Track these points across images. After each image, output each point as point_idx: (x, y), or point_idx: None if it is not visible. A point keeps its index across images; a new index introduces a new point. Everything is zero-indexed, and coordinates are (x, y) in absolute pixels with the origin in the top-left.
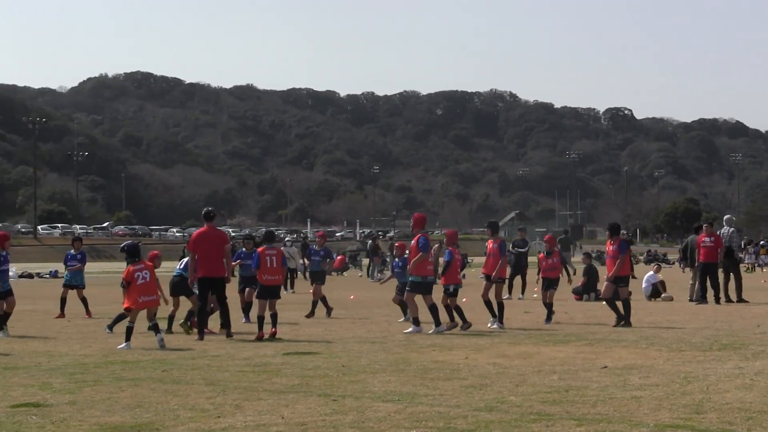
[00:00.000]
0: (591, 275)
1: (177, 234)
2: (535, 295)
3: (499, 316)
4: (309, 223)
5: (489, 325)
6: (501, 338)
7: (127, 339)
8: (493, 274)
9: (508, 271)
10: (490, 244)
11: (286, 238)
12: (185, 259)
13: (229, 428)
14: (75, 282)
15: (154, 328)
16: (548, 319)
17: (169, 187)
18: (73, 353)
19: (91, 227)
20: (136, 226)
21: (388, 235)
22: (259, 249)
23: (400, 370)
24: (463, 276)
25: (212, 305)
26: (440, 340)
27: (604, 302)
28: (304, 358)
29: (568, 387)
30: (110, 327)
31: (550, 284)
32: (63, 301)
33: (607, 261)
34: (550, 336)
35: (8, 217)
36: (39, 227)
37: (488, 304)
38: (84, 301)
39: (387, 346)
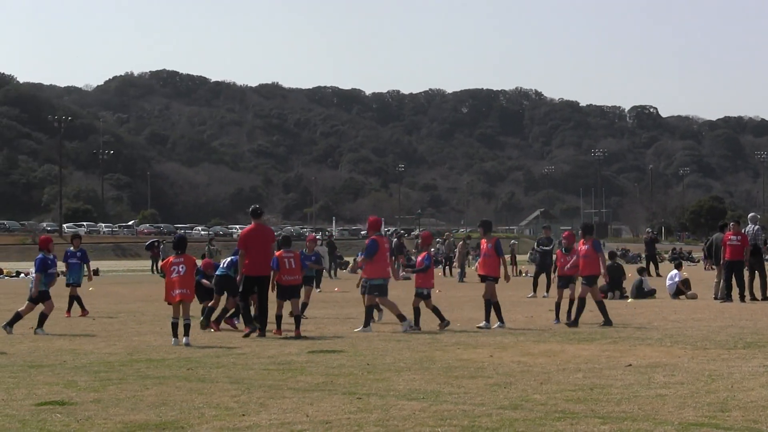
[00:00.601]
0: (615, 274)
1: (202, 232)
2: None
3: (497, 315)
4: (334, 222)
5: (478, 325)
6: (526, 336)
7: (174, 335)
8: (489, 272)
9: (533, 269)
10: (484, 243)
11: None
12: (229, 258)
13: (254, 426)
14: (72, 279)
15: (187, 327)
16: (572, 322)
17: (195, 186)
18: (98, 351)
19: (117, 225)
20: (162, 225)
21: (413, 233)
22: (277, 253)
23: (425, 368)
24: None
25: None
26: (465, 338)
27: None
28: (328, 356)
29: (593, 385)
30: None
31: (567, 281)
32: (77, 299)
33: (580, 261)
34: (574, 334)
35: (34, 215)
36: (65, 225)
37: (487, 303)
38: (77, 299)
39: (411, 344)
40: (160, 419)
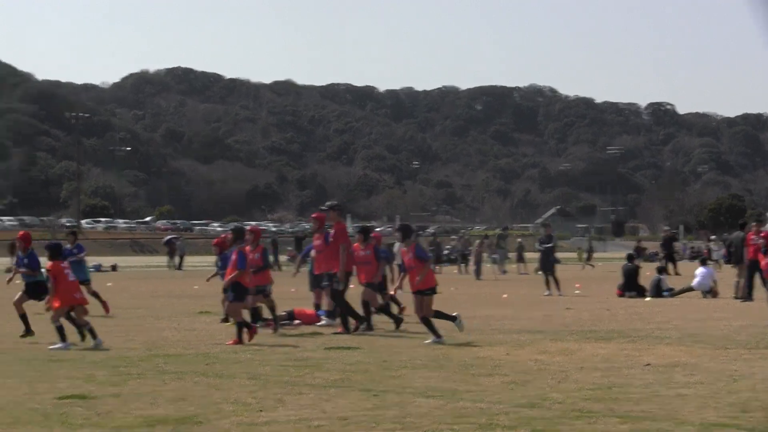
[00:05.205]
0: (630, 274)
1: (218, 228)
2: (576, 291)
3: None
4: (349, 219)
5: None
6: (543, 334)
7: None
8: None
9: (535, 266)
10: (403, 252)
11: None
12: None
13: (272, 422)
14: (78, 278)
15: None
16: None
17: (210, 182)
18: (117, 346)
19: (134, 222)
20: (178, 221)
21: (427, 231)
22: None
23: (441, 365)
24: None
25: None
26: (481, 336)
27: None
28: (345, 353)
29: (611, 384)
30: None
31: None
32: (94, 295)
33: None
34: (591, 333)
35: (53, 211)
36: (83, 221)
37: (424, 320)
38: (95, 295)
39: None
40: (179, 414)
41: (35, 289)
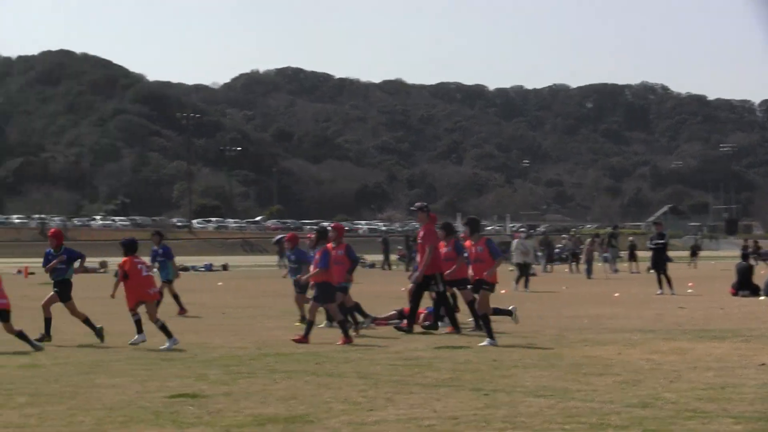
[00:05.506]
0: (744, 272)
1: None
2: (689, 290)
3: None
4: (458, 218)
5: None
6: (654, 334)
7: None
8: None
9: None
10: (469, 245)
11: (521, 229)
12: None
13: (382, 421)
14: (163, 277)
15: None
16: None
17: (320, 182)
18: (228, 345)
19: (244, 221)
20: (288, 220)
21: (538, 229)
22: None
23: (552, 365)
24: None
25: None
26: (592, 336)
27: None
28: (455, 352)
29: (725, 384)
30: None
31: None
32: (174, 297)
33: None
34: (705, 332)
35: (164, 211)
36: (194, 221)
37: (483, 318)
38: (174, 296)
39: (538, 340)
40: (289, 413)
41: (65, 289)
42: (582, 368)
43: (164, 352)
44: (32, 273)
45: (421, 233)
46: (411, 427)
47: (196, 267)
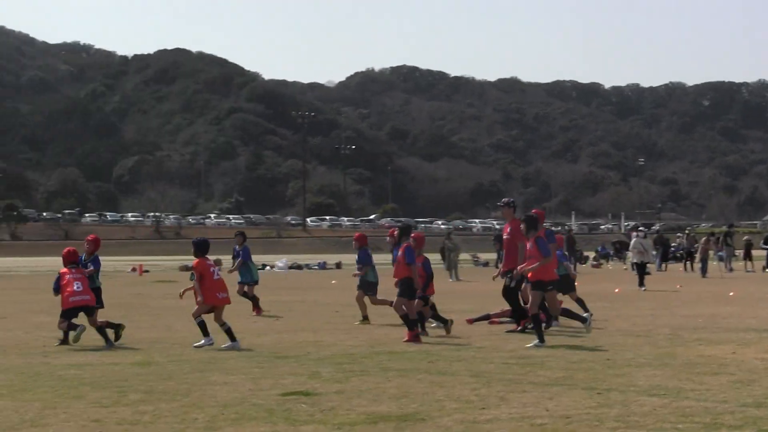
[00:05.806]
0: None
1: (442, 226)
2: None
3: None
4: (573, 216)
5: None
6: None
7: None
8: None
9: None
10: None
11: (639, 228)
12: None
13: (494, 420)
14: (241, 278)
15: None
16: None
17: (435, 180)
18: (341, 343)
19: (358, 219)
20: (402, 219)
21: (653, 228)
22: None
23: (666, 364)
24: None
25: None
26: (706, 335)
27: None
28: (568, 350)
29: None
30: None
31: None
32: (251, 298)
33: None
34: None
35: (279, 209)
36: (308, 219)
37: (533, 318)
38: (252, 298)
39: (652, 339)
40: (402, 411)
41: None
42: (696, 367)
43: (278, 350)
44: (147, 271)
45: (508, 229)
46: (523, 425)
47: (310, 265)
